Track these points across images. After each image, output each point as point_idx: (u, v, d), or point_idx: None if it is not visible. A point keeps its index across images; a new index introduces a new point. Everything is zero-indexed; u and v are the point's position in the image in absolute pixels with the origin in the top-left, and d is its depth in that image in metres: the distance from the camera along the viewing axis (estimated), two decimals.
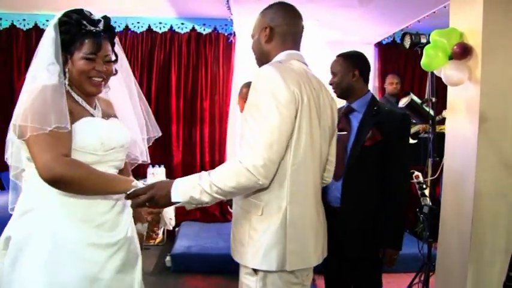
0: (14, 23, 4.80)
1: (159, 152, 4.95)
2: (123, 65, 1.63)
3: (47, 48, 1.43)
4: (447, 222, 2.75)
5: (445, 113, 3.23)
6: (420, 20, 4.15)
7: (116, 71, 1.57)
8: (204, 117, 5.04)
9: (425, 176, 3.18)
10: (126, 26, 4.92)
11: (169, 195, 1.39)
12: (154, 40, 4.96)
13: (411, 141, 3.87)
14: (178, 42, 4.97)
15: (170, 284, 3.58)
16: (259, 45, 1.61)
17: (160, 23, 4.94)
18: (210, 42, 5.00)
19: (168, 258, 3.88)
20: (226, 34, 4.99)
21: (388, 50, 5.30)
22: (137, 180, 1.52)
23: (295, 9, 1.61)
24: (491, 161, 2.46)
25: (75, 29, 1.44)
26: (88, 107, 1.51)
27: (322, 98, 1.57)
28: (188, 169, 4.81)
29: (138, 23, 4.93)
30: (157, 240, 4.53)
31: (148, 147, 1.76)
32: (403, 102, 3.38)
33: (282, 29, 1.56)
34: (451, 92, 2.76)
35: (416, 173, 2.95)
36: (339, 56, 2.22)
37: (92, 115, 1.51)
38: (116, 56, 1.56)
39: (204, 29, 4.98)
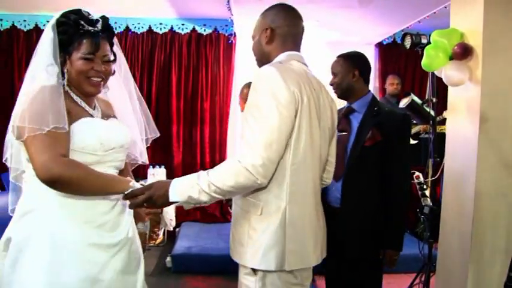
0: (15, 24, 4.81)
1: (160, 152, 4.96)
2: (121, 65, 1.63)
3: (45, 49, 1.43)
4: (448, 222, 2.75)
5: (445, 114, 3.23)
6: (420, 20, 4.15)
7: (115, 71, 1.57)
8: (204, 117, 5.04)
9: (425, 176, 3.18)
10: (127, 27, 4.93)
11: (167, 195, 1.39)
12: (154, 41, 4.96)
13: (412, 141, 3.86)
14: (179, 42, 4.97)
15: (171, 285, 3.58)
16: (259, 46, 1.61)
17: (160, 23, 4.95)
18: (210, 42, 5.00)
19: (168, 258, 3.88)
20: (226, 35, 4.99)
21: (388, 50, 5.30)
22: (137, 181, 1.52)
23: (295, 11, 1.62)
24: (491, 161, 2.46)
25: (73, 29, 1.43)
26: (87, 108, 1.51)
27: (322, 99, 1.57)
28: (188, 170, 4.80)
29: (138, 23, 4.93)
30: (158, 240, 4.53)
31: (149, 148, 1.76)
32: (403, 102, 3.38)
33: (283, 30, 1.57)
34: (451, 92, 2.76)
35: (416, 173, 2.95)
36: (339, 56, 2.23)
37: (91, 115, 1.51)
38: (115, 55, 1.56)
39: (205, 30, 4.98)
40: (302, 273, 1.53)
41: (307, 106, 1.45)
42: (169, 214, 4.38)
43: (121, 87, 1.65)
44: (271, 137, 1.35)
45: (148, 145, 1.76)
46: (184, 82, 5.00)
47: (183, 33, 4.97)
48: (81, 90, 1.48)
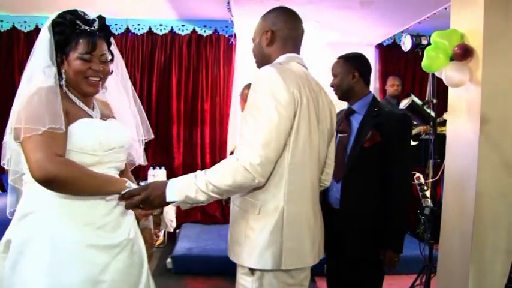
0: (15, 25, 4.82)
1: (160, 153, 4.96)
2: (119, 65, 1.62)
3: (42, 50, 1.43)
4: (448, 223, 2.75)
5: (445, 115, 3.23)
6: (421, 21, 4.15)
7: (113, 70, 1.57)
8: (204, 118, 5.04)
9: (426, 177, 3.18)
10: (127, 28, 4.93)
11: (164, 195, 1.39)
12: (155, 42, 4.96)
13: (412, 142, 3.86)
14: (179, 44, 4.97)
15: (171, 286, 3.57)
16: (260, 49, 1.63)
17: (161, 25, 4.95)
18: (210, 44, 5.00)
19: (169, 260, 3.87)
20: (227, 36, 4.99)
21: (388, 51, 5.30)
22: (138, 182, 1.51)
23: (295, 14, 1.63)
24: (492, 162, 2.46)
25: (69, 29, 1.43)
26: (86, 108, 1.50)
27: (321, 100, 1.58)
28: (189, 171, 4.70)
29: (138, 25, 4.93)
30: (159, 242, 4.52)
31: (149, 149, 1.76)
32: (404, 103, 3.39)
33: (283, 33, 1.58)
34: (452, 93, 2.76)
35: (417, 174, 2.95)
36: (340, 57, 2.23)
37: (90, 116, 1.51)
38: (112, 55, 1.55)
39: (205, 31, 4.98)
40: (300, 274, 1.53)
41: (306, 107, 1.45)
42: (169, 215, 4.37)
43: (119, 88, 1.65)
44: (269, 137, 1.36)
45: (145, 146, 1.76)
46: (185, 83, 4.99)
47: (183, 34, 4.97)
48: (80, 90, 1.48)
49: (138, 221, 1.66)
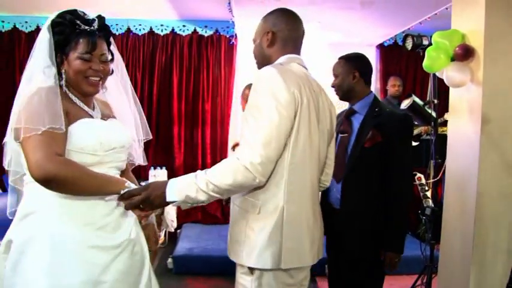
0: (16, 26, 4.83)
1: (161, 154, 4.97)
2: (119, 65, 1.62)
3: (42, 50, 1.42)
4: (449, 223, 2.75)
5: (446, 116, 3.23)
6: (422, 21, 4.15)
7: (113, 70, 1.57)
8: (205, 119, 5.04)
9: (427, 177, 3.17)
10: (128, 28, 4.93)
11: (164, 195, 1.39)
12: (156, 42, 4.97)
13: (413, 143, 3.86)
14: (180, 44, 4.98)
15: (172, 286, 3.57)
16: (260, 50, 1.64)
17: (162, 25, 4.95)
18: (211, 44, 5.00)
19: (169, 260, 3.88)
20: (227, 36, 4.99)
21: (389, 51, 5.30)
22: (139, 182, 1.51)
23: (296, 15, 1.64)
24: (493, 162, 2.46)
25: (69, 29, 1.43)
26: (86, 108, 1.50)
27: (322, 101, 1.59)
28: (190, 171, 4.67)
29: (139, 25, 4.94)
30: (159, 242, 4.52)
31: (150, 149, 1.77)
32: (405, 104, 3.39)
33: (284, 34, 1.59)
34: (453, 93, 2.76)
35: (418, 175, 2.95)
36: (340, 58, 2.23)
37: (91, 116, 1.50)
38: (112, 55, 1.55)
39: (206, 31, 4.99)
40: (299, 273, 1.53)
41: (306, 107, 1.46)
42: (170, 215, 4.37)
43: (119, 87, 1.65)
44: (270, 136, 1.36)
45: (146, 146, 1.76)
46: (186, 83, 5.00)
47: (184, 34, 4.98)
48: (80, 90, 1.48)
49: (140, 222, 1.66)
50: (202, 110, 5.03)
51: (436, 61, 2.57)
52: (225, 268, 3.45)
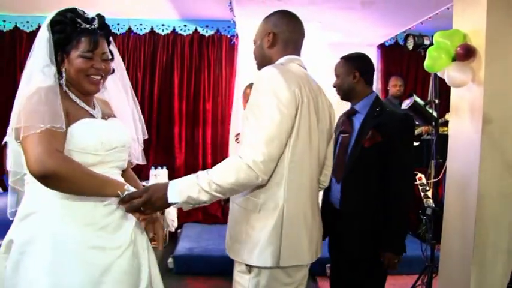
0: (18, 25, 4.84)
1: (162, 153, 4.97)
2: (118, 64, 1.61)
3: (41, 49, 1.41)
4: (450, 223, 2.74)
5: (447, 116, 3.22)
6: (423, 21, 4.15)
7: (113, 69, 1.56)
8: (206, 118, 5.04)
9: (428, 177, 3.17)
10: (129, 28, 4.94)
11: (165, 196, 1.38)
12: (157, 42, 4.97)
13: (414, 143, 3.86)
14: (181, 44, 4.98)
15: (173, 286, 3.57)
16: (261, 50, 1.65)
17: (163, 25, 4.95)
18: (212, 44, 5.01)
19: (170, 260, 3.88)
20: (229, 36, 4.99)
21: (390, 51, 5.30)
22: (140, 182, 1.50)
23: (297, 17, 1.66)
24: (494, 162, 2.46)
25: (70, 27, 1.42)
26: (87, 107, 1.50)
27: (321, 101, 1.60)
28: (190, 171, 4.74)
29: (140, 25, 4.94)
30: (160, 242, 4.52)
31: (151, 149, 1.76)
32: (406, 103, 3.38)
33: (285, 35, 1.61)
34: (454, 93, 2.76)
35: (419, 175, 2.95)
36: (341, 58, 2.23)
37: (92, 115, 1.50)
38: (112, 54, 1.55)
39: (207, 31, 4.99)
40: (297, 272, 1.54)
41: (306, 107, 1.48)
42: (171, 215, 4.38)
43: (118, 87, 1.65)
44: (272, 135, 1.37)
45: (147, 146, 1.75)
46: (187, 83, 5.00)
47: (185, 34, 4.98)
48: (81, 89, 1.47)
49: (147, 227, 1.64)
50: (203, 110, 5.03)
51: (437, 61, 2.57)
52: (225, 268, 3.45)
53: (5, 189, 4.32)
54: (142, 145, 1.74)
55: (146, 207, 1.40)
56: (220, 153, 5.06)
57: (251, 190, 1.47)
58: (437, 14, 3.87)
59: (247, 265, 1.49)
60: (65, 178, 1.30)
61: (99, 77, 1.48)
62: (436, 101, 2.97)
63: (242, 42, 5.01)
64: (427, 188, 2.93)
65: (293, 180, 1.48)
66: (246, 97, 3.18)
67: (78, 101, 1.48)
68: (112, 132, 1.51)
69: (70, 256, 1.36)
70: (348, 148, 2.14)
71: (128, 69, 4.86)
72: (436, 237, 2.86)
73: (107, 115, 1.58)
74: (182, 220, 4.72)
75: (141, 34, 4.95)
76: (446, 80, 2.60)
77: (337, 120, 2.26)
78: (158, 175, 4.55)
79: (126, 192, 1.39)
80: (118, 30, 4.89)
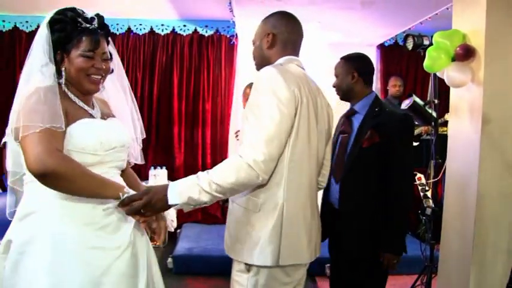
0: (17, 25, 4.84)
1: (161, 153, 4.97)
2: (116, 64, 1.61)
3: (40, 47, 1.41)
4: (449, 223, 2.75)
5: (447, 116, 3.22)
6: (422, 21, 4.15)
7: (113, 69, 1.56)
8: (206, 118, 5.04)
9: (427, 177, 3.17)
10: (129, 28, 4.93)
11: (166, 198, 1.38)
12: (156, 42, 4.97)
13: (413, 143, 3.86)
14: (181, 44, 4.98)
15: (172, 286, 3.56)
16: (260, 51, 1.66)
17: (162, 25, 4.95)
18: (212, 44, 5.01)
19: (169, 259, 3.88)
20: (228, 36, 4.99)
21: (390, 51, 5.30)
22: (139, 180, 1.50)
23: (296, 18, 1.67)
24: (494, 162, 2.46)
25: (71, 26, 1.42)
26: (86, 107, 1.49)
27: (320, 102, 1.62)
28: (190, 171, 4.80)
29: (140, 25, 4.94)
30: (160, 242, 4.52)
31: (150, 149, 1.76)
32: (405, 104, 3.38)
33: (284, 36, 1.62)
34: (453, 93, 2.76)
35: (418, 175, 2.95)
36: (341, 58, 2.24)
37: (91, 115, 1.50)
38: (110, 54, 1.55)
39: (206, 31, 4.99)
40: (295, 272, 1.55)
41: (306, 107, 1.49)
42: (170, 215, 4.37)
43: (116, 86, 1.64)
44: (272, 134, 1.38)
45: (146, 146, 1.75)
46: (186, 83, 5.00)
47: (184, 34, 4.98)
48: (81, 88, 1.47)
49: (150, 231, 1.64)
50: (202, 110, 5.03)
51: (436, 61, 2.57)
52: (225, 268, 3.45)
53: (5, 190, 4.31)
54: (141, 145, 1.74)
55: (146, 209, 1.39)
56: (219, 153, 5.06)
57: (251, 190, 1.47)
58: (436, 14, 3.87)
59: (246, 264, 1.50)
60: (65, 177, 1.30)
61: (99, 77, 1.48)
62: (436, 101, 2.97)
63: (242, 42, 5.01)
64: (427, 188, 2.93)
65: (293, 180, 1.48)
66: (246, 97, 3.18)
67: (77, 100, 1.48)
68: (111, 132, 1.51)
69: (70, 256, 1.35)
70: (347, 148, 2.14)
71: (127, 69, 4.89)
72: (435, 237, 2.86)
73: (106, 115, 1.58)
74: (181, 220, 4.71)
75: (140, 34, 4.95)
76: (445, 80, 2.60)
77: (338, 120, 2.26)
78: (157, 175, 4.55)
79: (125, 195, 1.38)
80: (117, 30, 4.89)
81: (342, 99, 2.25)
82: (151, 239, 1.66)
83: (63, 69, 1.43)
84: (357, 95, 2.18)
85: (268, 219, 1.46)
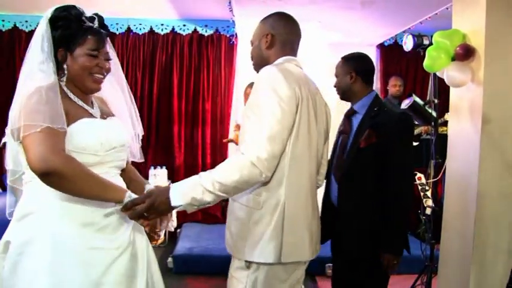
0: (17, 25, 4.83)
1: (161, 153, 4.97)
2: (115, 64, 1.61)
3: (38, 44, 1.41)
4: (450, 223, 2.74)
5: (447, 116, 3.22)
6: (422, 21, 4.15)
7: (111, 69, 1.57)
8: (206, 118, 5.04)
9: (427, 177, 3.17)
10: (128, 28, 4.93)
11: (168, 200, 1.38)
12: (156, 42, 4.97)
13: (413, 143, 3.86)
14: (180, 43, 4.98)
15: (172, 286, 3.56)
16: (259, 51, 1.68)
17: (162, 24, 4.95)
18: (212, 43, 5.00)
19: (170, 259, 3.88)
20: (228, 36, 4.99)
21: (390, 51, 5.30)
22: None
23: (294, 19, 1.69)
24: (494, 162, 2.45)
25: (76, 24, 1.42)
26: (86, 106, 1.49)
27: (319, 101, 1.64)
28: (190, 170, 4.81)
29: (140, 24, 4.94)
30: (159, 241, 4.52)
31: (150, 149, 1.76)
32: (405, 103, 3.38)
33: (282, 37, 1.64)
34: (453, 93, 2.76)
35: (418, 174, 2.95)
36: (341, 58, 2.24)
37: (91, 114, 1.49)
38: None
39: (206, 31, 4.99)
40: (295, 270, 1.56)
41: (306, 105, 1.50)
42: (170, 215, 4.36)
43: (114, 85, 1.64)
44: (274, 131, 1.39)
45: (146, 146, 1.75)
46: (186, 83, 5.00)
47: (184, 34, 4.98)
48: (83, 87, 1.47)
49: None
50: (202, 110, 5.03)
51: (436, 61, 2.57)
52: (225, 268, 3.45)
53: (5, 189, 4.30)
54: (140, 142, 1.74)
55: (150, 212, 1.39)
56: (219, 153, 5.06)
57: (253, 188, 1.48)
58: (436, 14, 3.87)
59: (246, 261, 1.50)
60: (67, 177, 1.30)
61: (102, 76, 1.49)
62: (436, 100, 2.97)
63: (241, 42, 5.00)
64: (427, 188, 2.93)
65: (293, 178, 1.49)
66: (246, 96, 3.19)
67: (76, 100, 1.47)
68: (111, 132, 1.51)
69: (69, 256, 1.35)
70: (346, 148, 2.14)
71: (127, 69, 4.89)
72: (435, 237, 2.86)
73: (105, 114, 1.58)
74: (181, 220, 4.71)
75: (140, 34, 4.95)
76: (445, 80, 2.60)
77: (341, 121, 2.27)
78: (157, 175, 4.54)
79: (127, 199, 1.37)
80: (117, 29, 4.88)
81: (342, 99, 2.25)
82: (151, 239, 1.66)
83: (65, 66, 1.43)
84: (356, 95, 2.18)
85: (269, 217, 1.47)
